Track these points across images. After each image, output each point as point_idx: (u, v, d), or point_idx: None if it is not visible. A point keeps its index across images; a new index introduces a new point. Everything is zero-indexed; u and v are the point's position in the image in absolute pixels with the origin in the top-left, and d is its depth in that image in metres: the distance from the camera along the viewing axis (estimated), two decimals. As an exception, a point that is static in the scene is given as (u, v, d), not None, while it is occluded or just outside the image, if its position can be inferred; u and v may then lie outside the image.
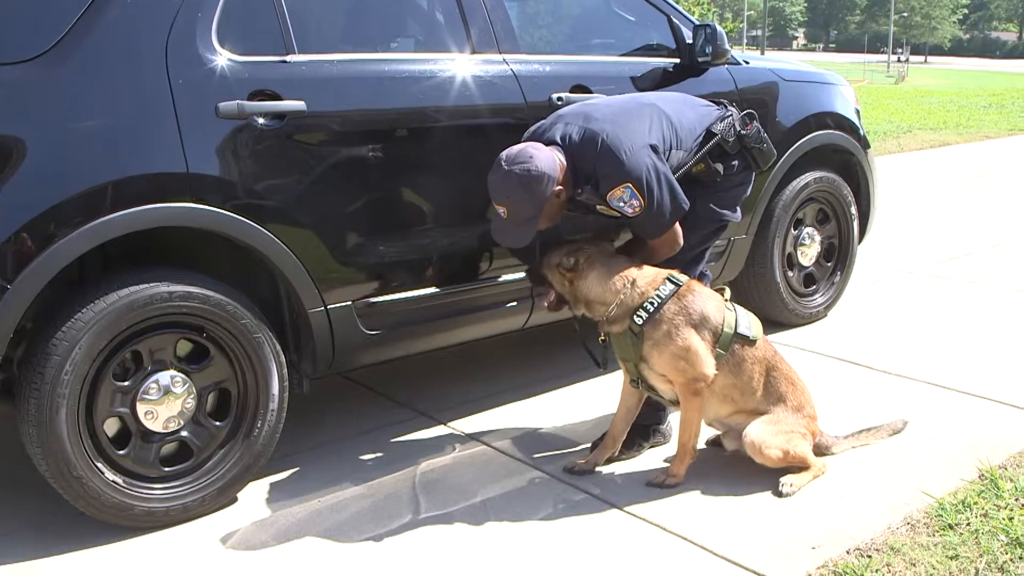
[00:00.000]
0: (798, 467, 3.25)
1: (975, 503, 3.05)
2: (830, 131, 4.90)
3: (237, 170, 3.08)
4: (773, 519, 3.04)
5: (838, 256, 5.16)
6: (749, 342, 3.26)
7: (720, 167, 3.42)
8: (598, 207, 3.25)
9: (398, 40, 3.71)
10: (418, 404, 4.09)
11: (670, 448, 3.49)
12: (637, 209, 3.14)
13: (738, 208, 3.58)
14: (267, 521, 3.14)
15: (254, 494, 3.29)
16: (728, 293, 3.33)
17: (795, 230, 4.92)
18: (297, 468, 3.52)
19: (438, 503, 3.23)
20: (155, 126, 2.93)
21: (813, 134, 4.79)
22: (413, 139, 3.46)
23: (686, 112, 3.42)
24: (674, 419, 3.45)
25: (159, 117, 2.93)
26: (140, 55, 2.95)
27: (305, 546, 2.97)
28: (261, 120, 3.10)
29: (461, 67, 3.59)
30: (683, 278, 3.22)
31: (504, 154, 3.09)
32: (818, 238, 5.03)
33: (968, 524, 2.93)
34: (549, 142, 3.17)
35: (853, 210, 5.11)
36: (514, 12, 4.00)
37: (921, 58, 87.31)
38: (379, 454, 3.64)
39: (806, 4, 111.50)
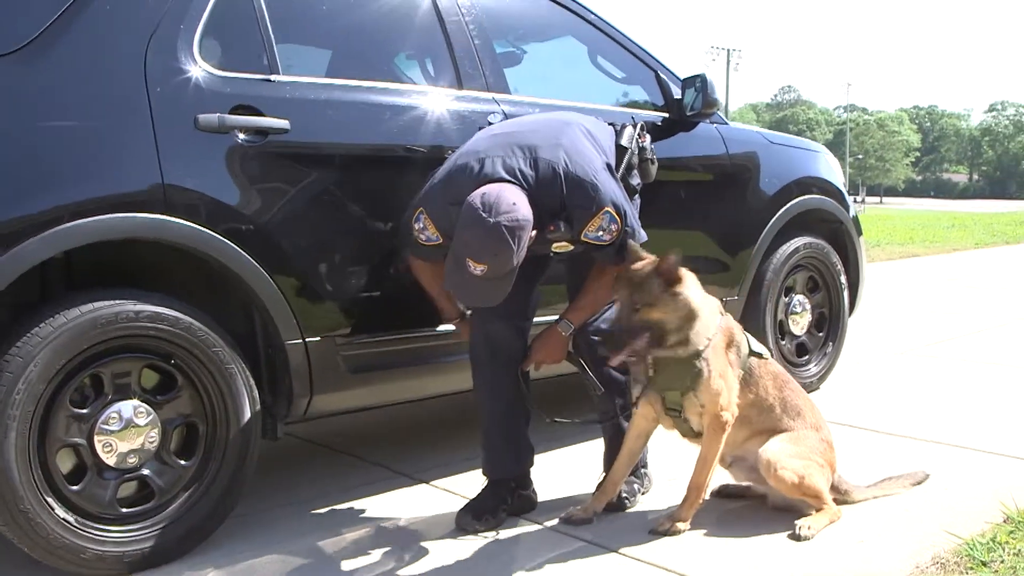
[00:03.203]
0: (811, 503, 3.03)
1: (1006, 542, 2.82)
2: (818, 196, 4.84)
3: (214, 185, 2.91)
4: (789, 560, 2.80)
5: (829, 326, 5.03)
6: (762, 358, 3.10)
7: (632, 183, 3.23)
8: (554, 246, 2.97)
9: (385, 70, 3.59)
10: (397, 466, 3.83)
11: (668, 497, 3.25)
12: (615, 234, 2.88)
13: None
14: (235, 569, 2.83)
15: (219, 542, 2.99)
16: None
17: (786, 297, 4.79)
18: (269, 521, 3.23)
19: (421, 551, 2.96)
20: (130, 132, 2.77)
21: (802, 197, 4.73)
22: (399, 169, 3.30)
23: (598, 129, 3.17)
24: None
25: (135, 124, 2.78)
26: (117, 60, 2.81)
27: (277, 591, 2.68)
28: (242, 135, 2.94)
29: (452, 103, 3.49)
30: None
31: (479, 203, 2.65)
32: (809, 307, 4.91)
33: (1003, 561, 2.70)
34: (493, 180, 2.77)
35: (843, 279, 5.01)
36: (504, 59, 3.93)
37: (876, 199, 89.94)
38: (358, 509, 3.36)
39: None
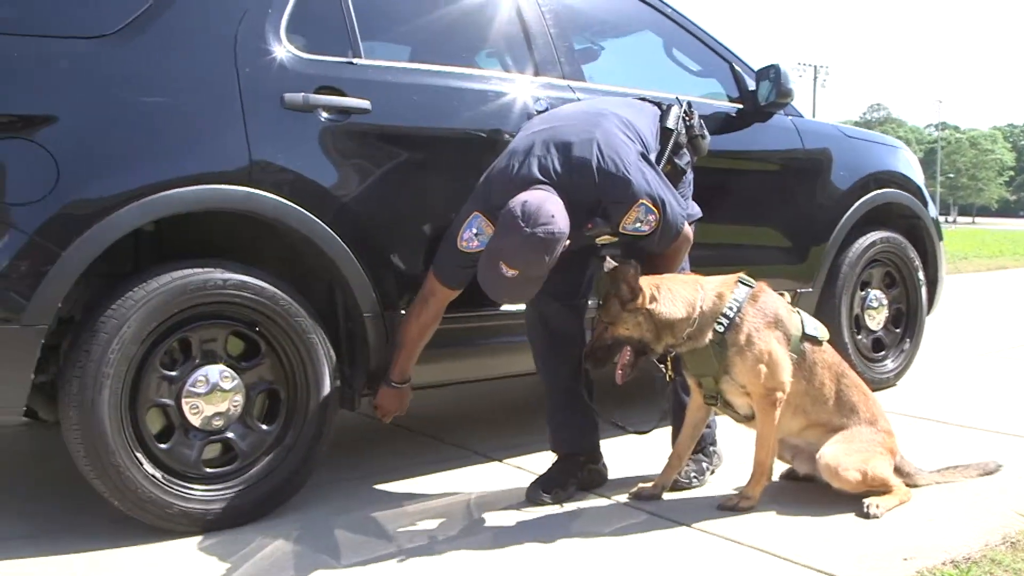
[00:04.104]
0: (879, 490, 3.01)
1: (1081, 524, 2.79)
2: (895, 191, 4.82)
3: (298, 161, 3.04)
4: (858, 535, 2.80)
5: (907, 323, 4.98)
6: (817, 343, 3.08)
7: (680, 163, 3.27)
8: (598, 240, 3.06)
9: (463, 56, 3.69)
10: (471, 445, 3.92)
11: (736, 476, 3.26)
12: (654, 223, 2.92)
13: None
14: (311, 533, 2.94)
15: (297, 507, 3.11)
16: (789, 297, 3.17)
17: (862, 292, 4.76)
18: (344, 490, 3.35)
19: (490, 520, 3.04)
20: (220, 110, 2.93)
21: (878, 191, 4.71)
22: (475, 150, 3.38)
23: (639, 115, 3.20)
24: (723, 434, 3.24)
25: (224, 101, 2.93)
26: (209, 41, 2.96)
27: (354, 555, 2.77)
28: (325, 114, 3.07)
29: (528, 88, 3.58)
30: (751, 280, 3.07)
31: (520, 211, 2.71)
32: (886, 302, 4.87)
33: (1077, 542, 2.67)
34: (530, 182, 2.86)
35: (921, 275, 4.95)
36: (582, 48, 4.03)
37: (969, 219, 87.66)
38: (431, 483, 3.46)
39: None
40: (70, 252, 2.65)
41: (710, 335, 2.97)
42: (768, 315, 3.01)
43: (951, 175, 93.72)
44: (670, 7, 4.28)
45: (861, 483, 2.98)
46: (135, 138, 2.79)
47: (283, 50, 3.06)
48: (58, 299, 2.66)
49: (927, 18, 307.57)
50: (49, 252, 2.63)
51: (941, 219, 5.20)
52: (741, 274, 3.08)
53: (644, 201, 2.89)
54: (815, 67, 70.24)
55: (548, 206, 2.74)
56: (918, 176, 5.03)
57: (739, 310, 2.98)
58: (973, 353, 6.11)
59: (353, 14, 3.26)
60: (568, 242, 2.81)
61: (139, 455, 2.81)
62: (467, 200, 3.06)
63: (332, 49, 3.21)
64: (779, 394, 2.98)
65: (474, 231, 2.96)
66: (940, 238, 5.17)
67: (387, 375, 3.23)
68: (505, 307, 3.42)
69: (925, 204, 5.03)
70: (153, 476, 2.82)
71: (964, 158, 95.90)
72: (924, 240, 5.04)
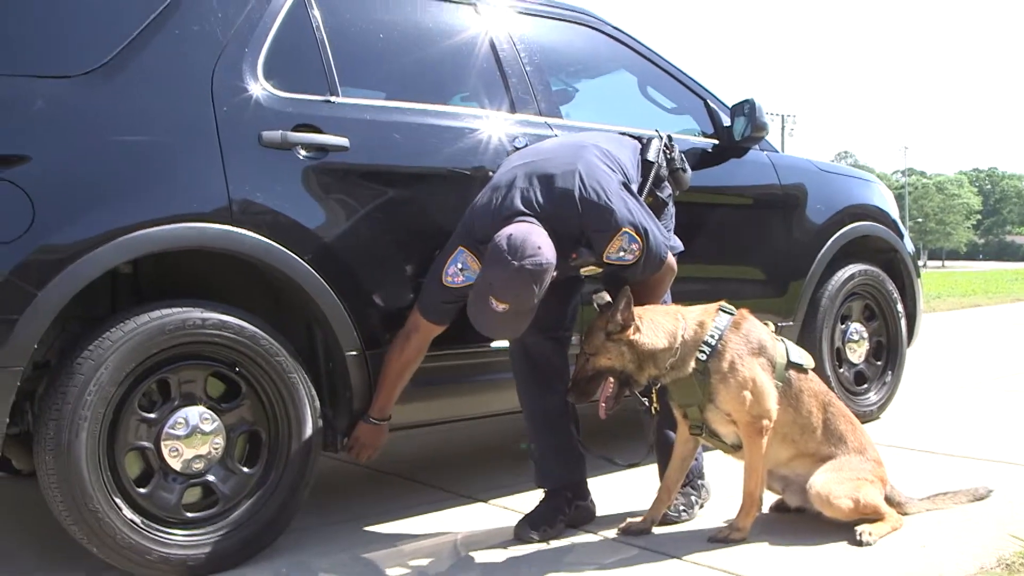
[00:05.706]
0: (871, 517, 2.98)
1: (1075, 544, 2.77)
2: (872, 223, 4.85)
3: (277, 199, 3.01)
4: (852, 563, 2.77)
5: (888, 355, 4.98)
6: (803, 371, 3.06)
7: (662, 195, 3.28)
8: (583, 270, 3.07)
9: (440, 93, 3.68)
10: (456, 487, 3.86)
11: (725, 510, 3.22)
12: (637, 253, 2.92)
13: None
14: (300, 574, 2.88)
15: (281, 552, 3.04)
16: (772, 326, 3.16)
17: (842, 325, 4.77)
18: (328, 535, 3.27)
19: (478, 559, 2.98)
20: (197, 148, 2.90)
21: (855, 224, 4.74)
22: (453, 187, 3.37)
23: (619, 147, 3.22)
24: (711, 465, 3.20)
25: (202, 140, 2.90)
26: (187, 80, 2.95)
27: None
28: (303, 152, 3.06)
29: (505, 126, 3.58)
30: (732, 308, 3.06)
31: (506, 245, 2.71)
32: (866, 335, 4.87)
33: (1071, 562, 2.65)
34: (513, 215, 2.86)
35: (900, 308, 4.97)
36: (557, 90, 4.05)
37: (939, 262, 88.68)
38: (416, 525, 3.39)
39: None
40: (46, 293, 2.60)
41: (693, 364, 2.95)
42: (751, 342, 2.99)
43: (919, 220, 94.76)
44: (644, 45, 4.32)
45: (853, 511, 2.95)
46: (112, 178, 2.76)
47: (260, 88, 3.05)
48: (34, 341, 2.61)
49: (892, 66, 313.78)
50: (24, 293, 2.57)
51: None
52: (722, 302, 3.07)
53: (627, 229, 2.88)
54: (783, 116, 70.82)
55: (534, 238, 2.74)
56: (893, 209, 5.08)
57: (721, 337, 2.96)
58: (954, 386, 6.13)
59: (330, 53, 3.26)
60: (555, 273, 2.79)
61: (117, 500, 2.74)
62: (450, 236, 3.05)
63: (310, 87, 3.20)
64: (765, 421, 2.96)
65: (459, 266, 2.95)
66: (918, 273, 5.20)
67: (367, 411, 3.20)
68: (494, 344, 3.39)
69: (901, 237, 5.07)
70: (132, 521, 2.74)
71: (931, 203, 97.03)
72: (901, 273, 5.07)
